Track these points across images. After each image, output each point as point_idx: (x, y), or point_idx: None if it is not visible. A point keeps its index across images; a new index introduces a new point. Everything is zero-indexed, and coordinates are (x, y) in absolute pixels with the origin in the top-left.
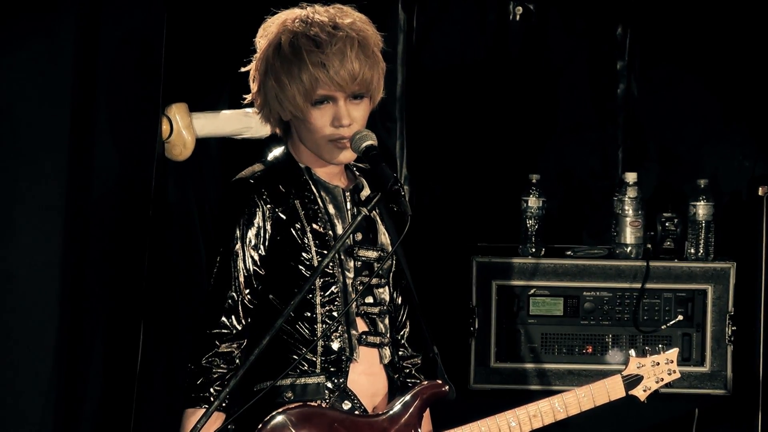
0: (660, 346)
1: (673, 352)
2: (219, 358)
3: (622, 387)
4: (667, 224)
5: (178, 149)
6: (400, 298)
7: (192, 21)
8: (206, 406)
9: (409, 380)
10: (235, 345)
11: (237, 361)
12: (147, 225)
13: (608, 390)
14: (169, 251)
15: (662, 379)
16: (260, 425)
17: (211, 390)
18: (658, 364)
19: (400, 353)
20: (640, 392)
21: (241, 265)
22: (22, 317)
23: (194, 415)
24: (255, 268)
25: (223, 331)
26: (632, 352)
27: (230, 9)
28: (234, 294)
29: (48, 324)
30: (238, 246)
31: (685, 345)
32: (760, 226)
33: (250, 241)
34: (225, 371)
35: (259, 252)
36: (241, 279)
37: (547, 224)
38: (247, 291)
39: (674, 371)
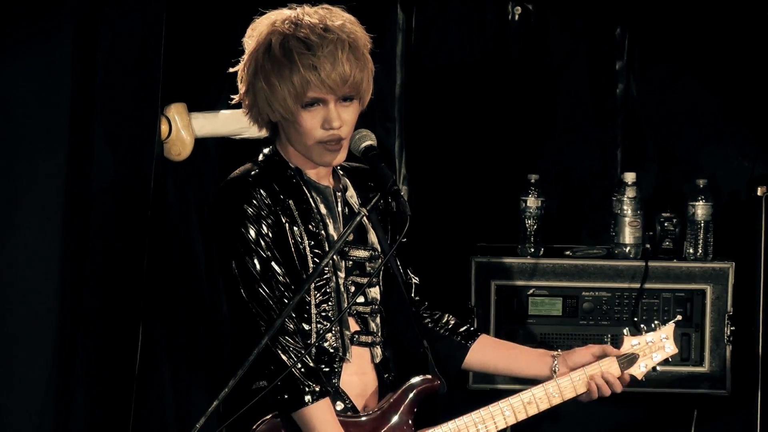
0: (656, 322)
1: (669, 327)
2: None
3: (617, 367)
4: (666, 224)
5: (177, 149)
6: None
7: (191, 21)
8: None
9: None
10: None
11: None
12: (146, 225)
13: (603, 371)
14: (168, 251)
15: (659, 355)
16: (254, 426)
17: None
18: (652, 342)
19: (431, 319)
20: (637, 371)
21: (273, 264)
22: (21, 317)
23: (321, 409)
24: (277, 262)
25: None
26: (626, 330)
27: (229, 9)
28: (284, 293)
29: (47, 324)
30: (263, 247)
31: (683, 345)
32: (759, 226)
33: (266, 237)
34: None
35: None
36: (282, 276)
37: (546, 224)
38: (289, 282)
39: (671, 346)
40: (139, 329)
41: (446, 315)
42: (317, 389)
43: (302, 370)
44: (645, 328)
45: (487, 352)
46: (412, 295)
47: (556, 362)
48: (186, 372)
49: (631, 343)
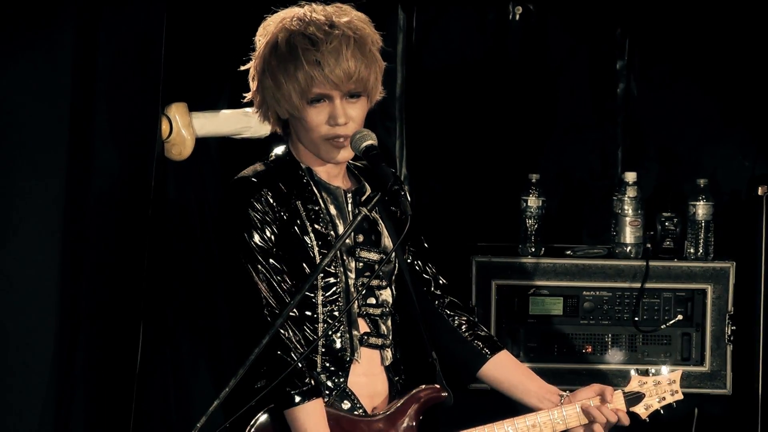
0: (666, 368)
1: (677, 373)
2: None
3: (623, 403)
4: (666, 224)
5: (178, 149)
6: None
7: (192, 21)
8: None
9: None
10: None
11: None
12: (146, 225)
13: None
14: (169, 250)
15: (664, 398)
16: (252, 421)
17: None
18: (659, 383)
19: (458, 320)
20: (641, 410)
21: (276, 269)
22: (20, 317)
23: (309, 410)
24: (281, 263)
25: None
26: (634, 371)
27: (230, 9)
28: (286, 297)
29: (47, 324)
30: (266, 253)
31: (684, 345)
32: (759, 225)
33: (270, 243)
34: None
35: (275, 248)
36: (284, 282)
37: (547, 224)
38: (292, 288)
39: (677, 392)
40: (139, 329)
41: (475, 321)
42: (307, 390)
43: (296, 370)
44: (654, 371)
45: (503, 370)
46: (432, 290)
47: (562, 401)
48: (187, 371)
49: (638, 382)
